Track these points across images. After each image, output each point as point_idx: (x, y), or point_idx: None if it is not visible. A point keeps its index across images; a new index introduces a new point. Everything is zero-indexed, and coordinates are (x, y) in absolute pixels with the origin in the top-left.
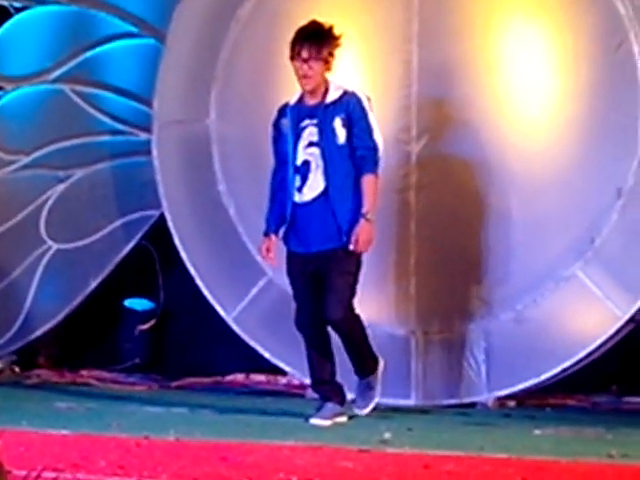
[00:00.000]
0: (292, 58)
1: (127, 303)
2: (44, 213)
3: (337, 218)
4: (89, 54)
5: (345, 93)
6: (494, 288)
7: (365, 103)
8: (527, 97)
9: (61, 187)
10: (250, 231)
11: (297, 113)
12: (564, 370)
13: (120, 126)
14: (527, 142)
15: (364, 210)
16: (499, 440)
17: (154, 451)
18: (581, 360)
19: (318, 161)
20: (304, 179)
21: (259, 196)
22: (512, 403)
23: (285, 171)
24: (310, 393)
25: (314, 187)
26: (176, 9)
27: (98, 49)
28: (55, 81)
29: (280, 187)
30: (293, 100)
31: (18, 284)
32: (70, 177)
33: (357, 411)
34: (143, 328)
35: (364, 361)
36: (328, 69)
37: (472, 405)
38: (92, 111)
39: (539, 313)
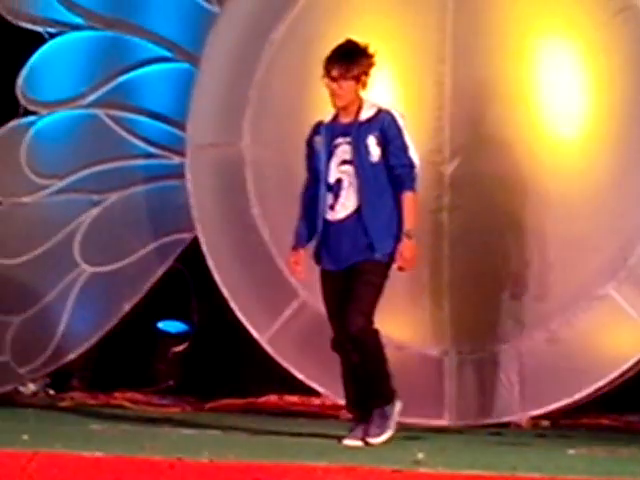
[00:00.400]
0: (324, 76)
1: (161, 325)
2: (78, 237)
3: (369, 234)
4: (123, 79)
5: (379, 111)
6: (528, 308)
7: (400, 121)
8: (561, 117)
9: (95, 211)
10: (283, 253)
11: (331, 131)
12: (598, 390)
13: (154, 150)
14: (561, 162)
15: (406, 228)
16: (532, 460)
17: (188, 473)
18: (615, 380)
19: (351, 179)
20: (337, 197)
21: (292, 218)
22: (546, 423)
23: (317, 188)
24: (344, 414)
25: (347, 205)
26: (210, 33)
27: (132, 74)
28: (89, 106)
29: (311, 203)
30: (328, 118)
31: (52, 307)
32: (104, 201)
33: (369, 439)
34: (177, 350)
35: (381, 384)
36: (362, 87)
37: (506, 425)
38: (126, 135)
39: (573, 333)
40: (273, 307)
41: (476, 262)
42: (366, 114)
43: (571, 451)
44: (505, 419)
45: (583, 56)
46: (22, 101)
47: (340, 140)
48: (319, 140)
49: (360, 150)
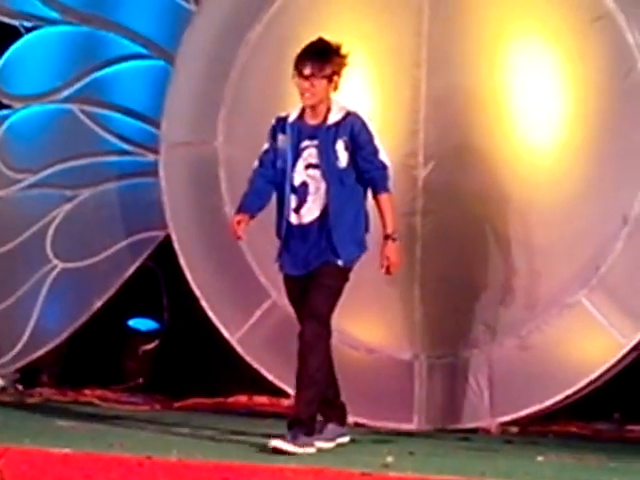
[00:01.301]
0: (295, 75)
1: (131, 323)
2: (50, 232)
3: (332, 240)
4: (98, 74)
5: (348, 114)
6: (498, 314)
7: (369, 125)
8: (534, 124)
9: (68, 206)
10: (255, 253)
11: (298, 132)
12: (567, 397)
13: (128, 147)
14: (533, 169)
15: (389, 231)
16: (501, 466)
17: (156, 471)
18: (584, 387)
19: (318, 184)
20: (302, 201)
21: (265, 218)
22: (515, 429)
23: (281, 187)
24: None
25: (312, 210)
26: (185, 31)
27: (107, 70)
28: (64, 101)
29: (264, 185)
30: (293, 116)
31: (23, 302)
32: (77, 197)
33: (276, 441)
34: (147, 348)
35: (314, 397)
36: (333, 88)
37: (474, 430)
38: (100, 131)
39: (543, 340)
40: (244, 307)
41: (448, 267)
42: (334, 117)
43: (540, 458)
44: (474, 425)
45: (559, 63)
46: None
47: (307, 143)
48: (283, 139)
49: (328, 155)
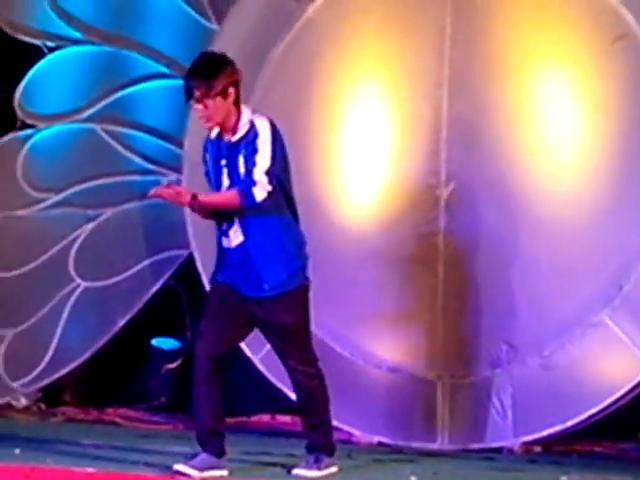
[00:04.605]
0: (189, 100)
1: (154, 342)
2: (73, 251)
3: (256, 269)
4: (121, 94)
5: (251, 125)
6: (521, 333)
7: (261, 129)
8: (557, 144)
9: (90, 226)
10: None
11: (216, 150)
12: (591, 417)
13: (150, 166)
14: (556, 188)
15: (198, 194)
16: None
17: None
18: (608, 407)
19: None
20: (229, 224)
21: None
22: (538, 448)
23: None
24: (336, 435)
25: (237, 234)
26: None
27: (130, 89)
28: (87, 120)
29: None
30: (213, 133)
31: (46, 321)
32: (100, 216)
33: (295, 470)
34: (170, 367)
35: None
36: (233, 102)
37: (498, 450)
38: (123, 150)
39: (566, 359)
40: None
41: (470, 286)
42: (240, 132)
43: (563, 478)
44: (497, 444)
45: (580, 84)
46: (20, 114)
47: (223, 162)
48: (207, 158)
49: (235, 174)
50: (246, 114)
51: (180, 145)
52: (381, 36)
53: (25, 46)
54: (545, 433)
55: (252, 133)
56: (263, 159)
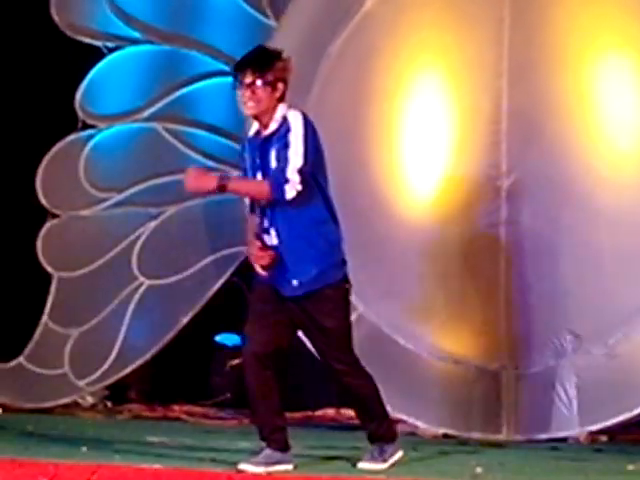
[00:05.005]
0: (237, 85)
1: (218, 338)
2: (136, 250)
3: (288, 267)
4: (181, 92)
5: (284, 120)
6: (585, 323)
7: (294, 123)
8: (618, 131)
9: (153, 224)
10: None
11: (252, 147)
12: None
13: (211, 163)
14: (617, 175)
15: (227, 181)
16: (591, 475)
17: None
18: None
19: (268, 205)
20: (270, 221)
21: (350, 231)
22: (604, 438)
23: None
24: (402, 427)
25: (273, 232)
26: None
27: (190, 87)
28: (147, 119)
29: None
30: (251, 132)
31: (110, 320)
32: (162, 214)
33: (359, 464)
34: (234, 363)
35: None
36: (278, 97)
37: (564, 440)
38: (183, 148)
39: (631, 347)
40: None
41: (532, 277)
42: (273, 126)
43: (630, 466)
44: (563, 434)
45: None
46: (81, 115)
47: (257, 160)
48: (245, 157)
49: (266, 169)
50: (281, 109)
51: (240, 142)
52: (439, 28)
53: (85, 47)
54: (610, 422)
55: (284, 127)
56: (296, 156)
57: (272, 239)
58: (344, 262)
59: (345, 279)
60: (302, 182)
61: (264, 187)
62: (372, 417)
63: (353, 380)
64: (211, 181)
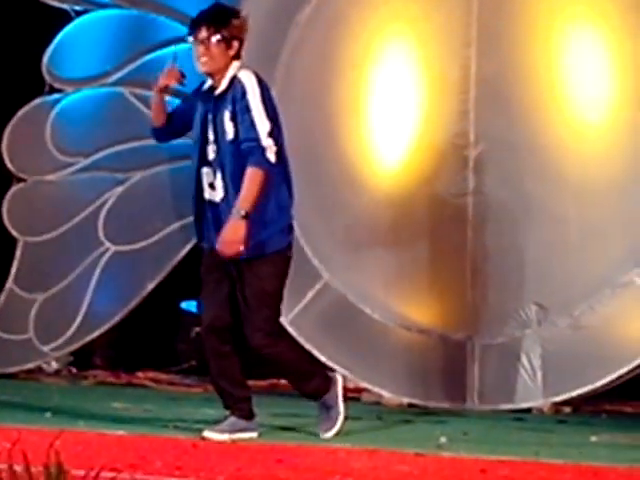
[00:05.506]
0: (191, 40)
1: (183, 305)
2: (102, 215)
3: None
4: (148, 57)
5: (234, 78)
6: (551, 294)
7: (253, 88)
8: (585, 103)
9: (119, 189)
10: (307, 234)
11: (206, 102)
12: (620, 377)
13: None
14: (585, 147)
15: (238, 206)
16: (555, 446)
17: (211, 452)
18: (637, 367)
19: (217, 161)
20: (214, 175)
21: (317, 199)
22: (568, 409)
23: (195, 159)
24: (366, 396)
25: (219, 188)
26: None
27: (158, 52)
28: (114, 84)
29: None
30: (206, 85)
31: (76, 285)
32: (128, 179)
33: (321, 435)
34: (200, 330)
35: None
36: (233, 55)
37: (528, 410)
38: (150, 113)
39: (596, 319)
40: (296, 289)
41: (499, 247)
42: (224, 84)
43: (594, 438)
44: (527, 405)
45: (608, 41)
46: (47, 79)
47: (209, 116)
48: (198, 106)
49: (219, 128)
50: (234, 68)
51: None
52: None
53: (52, 10)
54: (575, 393)
55: (238, 87)
56: (261, 120)
57: (217, 195)
58: (291, 228)
59: (289, 246)
60: (276, 144)
61: (258, 174)
62: (305, 378)
63: (272, 349)
64: (239, 229)
